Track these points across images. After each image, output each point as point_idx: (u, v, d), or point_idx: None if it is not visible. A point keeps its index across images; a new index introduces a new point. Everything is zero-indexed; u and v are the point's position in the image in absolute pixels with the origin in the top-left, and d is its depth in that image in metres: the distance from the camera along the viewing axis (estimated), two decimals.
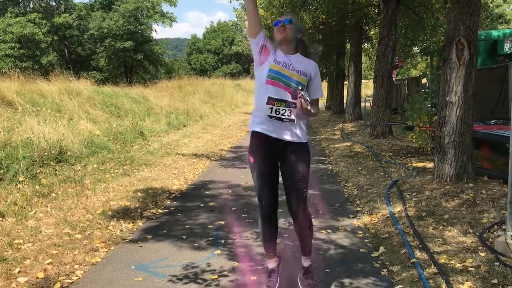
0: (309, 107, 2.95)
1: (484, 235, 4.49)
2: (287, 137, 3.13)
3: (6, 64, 31.47)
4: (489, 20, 26.70)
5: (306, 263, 3.58)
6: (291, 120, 3.08)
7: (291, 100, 3.04)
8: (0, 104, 10.48)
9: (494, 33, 13.30)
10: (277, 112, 3.06)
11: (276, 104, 3.04)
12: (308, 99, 2.97)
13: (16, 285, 3.70)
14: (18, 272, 3.93)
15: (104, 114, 13.24)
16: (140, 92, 18.69)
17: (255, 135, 3.22)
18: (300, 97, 2.92)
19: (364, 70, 31.77)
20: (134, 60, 41.42)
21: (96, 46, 41.56)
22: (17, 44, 34.31)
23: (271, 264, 3.52)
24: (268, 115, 3.09)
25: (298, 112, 3.02)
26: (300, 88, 3.00)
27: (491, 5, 23.71)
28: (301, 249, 3.56)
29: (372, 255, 4.46)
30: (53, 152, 8.17)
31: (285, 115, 3.07)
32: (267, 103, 3.08)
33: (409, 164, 8.66)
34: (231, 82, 36.58)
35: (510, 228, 4.07)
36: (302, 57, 3.25)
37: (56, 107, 11.96)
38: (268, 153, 3.17)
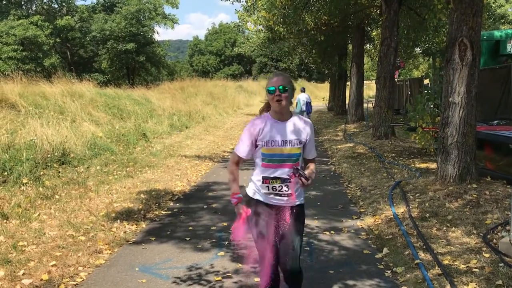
0: (309, 181, 2.90)
1: (488, 236, 4.49)
2: (286, 204, 3.05)
3: (9, 66, 31.59)
4: (491, 20, 26.67)
5: None
6: (290, 195, 3.01)
7: (285, 176, 2.99)
8: (3, 107, 10.51)
9: (497, 33, 13.26)
10: (274, 189, 3.01)
11: (271, 182, 2.98)
12: (305, 174, 2.90)
13: (21, 287, 3.71)
14: (22, 274, 3.94)
15: (106, 116, 13.26)
16: (142, 94, 18.71)
17: (252, 199, 3.15)
18: (298, 176, 2.90)
19: (366, 71, 31.75)
20: (136, 62, 41.50)
21: (98, 48, 41.65)
22: (19, 46, 34.42)
23: None
24: (265, 193, 3.04)
25: (299, 186, 3.00)
26: (295, 168, 2.94)
27: (494, 5, 23.66)
28: None
29: (376, 256, 4.46)
30: (56, 154, 8.18)
31: (282, 191, 3.01)
32: (263, 182, 3.04)
33: (412, 165, 8.65)
34: (233, 83, 36.58)
35: None
36: (297, 120, 3.07)
37: (59, 109, 11.99)
38: (266, 211, 3.08)
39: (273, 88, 2.96)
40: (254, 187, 3.11)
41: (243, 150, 3.06)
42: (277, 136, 3.00)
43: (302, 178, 2.88)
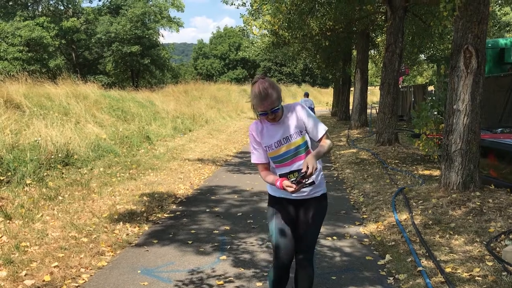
0: (312, 169, 2.70)
1: (491, 244, 4.47)
2: (307, 196, 3.00)
3: (14, 67, 31.73)
4: (496, 28, 26.67)
5: None
6: (312, 183, 2.92)
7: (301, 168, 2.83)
8: (8, 107, 10.54)
9: (501, 41, 13.25)
10: (294, 182, 2.81)
11: (290, 177, 2.81)
12: (303, 174, 2.72)
13: None
14: (24, 275, 3.95)
15: (110, 118, 13.29)
16: (146, 97, 18.76)
17: (272, 196, 3.08)
18: (300, 182, 2.74)
19: (371, 77, 31.74)
20: (141, 64, 41.63)
21: (103, 50, 41.83)
22: (25, 47, 34.59)
23: None
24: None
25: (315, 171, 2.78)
26: (294, 178, 2.76)
27: (499, 13, 23.65)
28: None
29: (378, 263, 4.45)
30: (60, 155, 8.21)
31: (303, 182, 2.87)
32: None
33: (416, 172, 8.64)
34: (237, 87, 36.62)
35: None
36: (287, 114, 2.94)
37: (63, 110, 12.03)
38: (288, 206, 3.03)
39: (265, 113, 2.84)
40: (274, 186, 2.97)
41: (259, 157, 3.00)
42: (276, 136, 2.93)
43: (302, 180, 2.74)
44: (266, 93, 2.79)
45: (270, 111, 2.81)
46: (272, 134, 2.95)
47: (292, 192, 2.75)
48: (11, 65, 32.79)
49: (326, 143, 2.93)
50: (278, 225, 3.00)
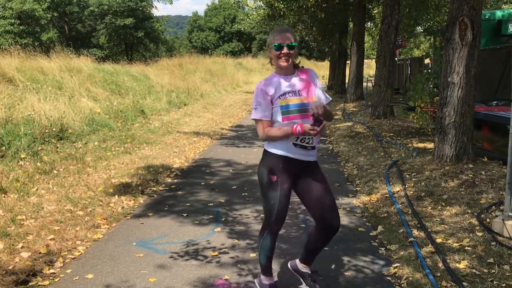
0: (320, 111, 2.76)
1: (482, 215, 4.53)
2: (308, 158, 3.07)
3: (6, 40, 31.36)
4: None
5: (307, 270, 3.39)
6: (313, 148, 3.06)
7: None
8: (0, 81, 10.45)
9: (499, 13, 13.13)
10: (302, 141, 2.98)
11: (314, 114, 2.81)
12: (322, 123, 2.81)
13: (20, 260, 3.76)
14: (21, 247, 3.99)
15: (104, 92, 13.20)
16: (140, 70, 18.60)
17: (275, 156, 3.04)
18: (317, 123, 2.76)
19: (367, 50, 31.53)
20: (135, 37, 41.18)
21: (96, 23, 41.29)
22: (17, 20, 34.08)
23: (269, 280, 3.27)
24: (294, 143, 2.98)
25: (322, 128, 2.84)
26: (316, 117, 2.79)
27: None
28: (307, 257, 3.38)
29: (371, 234, 4.52)
30: (54, 129, 8.18)
31: (309, 143, 3.01)
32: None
33: (410, 145, 8.68)
34: (232, 60, 36.29)
35: (507, 208, 4.11)
36: (302, 72, 3.07)
37: (57, 84, 11.93)
38: (289, 172, 3.04)
39: (279, 45, 2.91)
40: (274, 143, 3.04)
41: (264, 113, 2.99)
42: (288, 88, 2.99)
43: (320, 124, 2.77)
44: (286, 28, 3.02)
45: (286, 45, 2.90)
46: (285, 87, 2.99)
47: (315, 134, 2.79)
48: (2, 39, 32.39)
49: (330, 110, 3.07)
50: (283, 194, 3.01)
